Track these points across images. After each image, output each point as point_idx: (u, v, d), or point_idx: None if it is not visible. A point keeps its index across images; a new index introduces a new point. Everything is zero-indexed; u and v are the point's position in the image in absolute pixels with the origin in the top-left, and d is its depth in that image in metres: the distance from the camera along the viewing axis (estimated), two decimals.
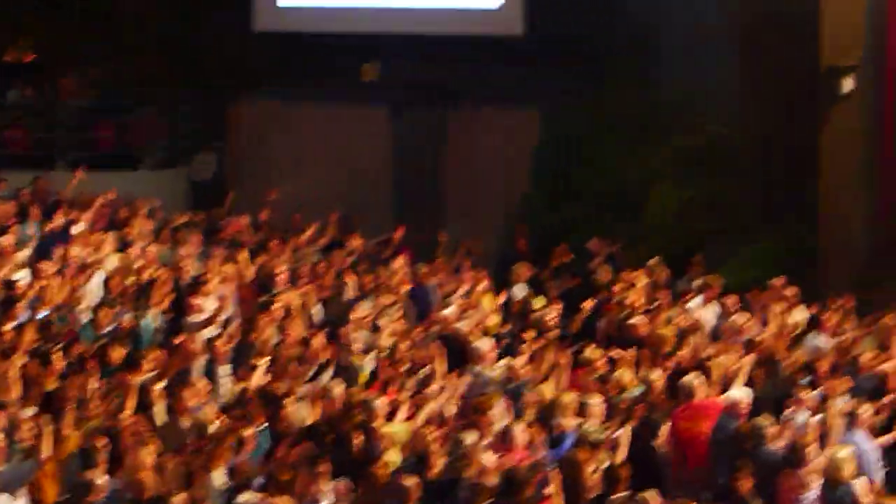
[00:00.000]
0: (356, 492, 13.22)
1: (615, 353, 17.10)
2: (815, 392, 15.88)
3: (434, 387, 15.93)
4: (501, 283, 20.99)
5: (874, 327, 18.95)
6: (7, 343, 15.99)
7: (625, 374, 16.32)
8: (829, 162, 23.10)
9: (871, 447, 14.76)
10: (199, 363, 16.17)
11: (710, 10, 24.44)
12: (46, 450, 13.01)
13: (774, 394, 16.07)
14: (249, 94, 28.02)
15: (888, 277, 21.98)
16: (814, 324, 18.84)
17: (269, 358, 16.51)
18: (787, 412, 15.27)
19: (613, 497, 12.79)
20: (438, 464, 13.72)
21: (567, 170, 25.84)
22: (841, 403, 15.34)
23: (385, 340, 17.82)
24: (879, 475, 14.56)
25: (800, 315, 19.24)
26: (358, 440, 14.23)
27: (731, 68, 24.36)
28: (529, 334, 18.08)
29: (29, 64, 30.88)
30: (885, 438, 15.18)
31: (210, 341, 16.55)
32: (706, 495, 14.18)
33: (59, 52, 29.79)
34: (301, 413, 15.22)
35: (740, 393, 15.52)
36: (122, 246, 20.49)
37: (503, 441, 14.24)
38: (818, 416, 15.02)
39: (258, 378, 15.94)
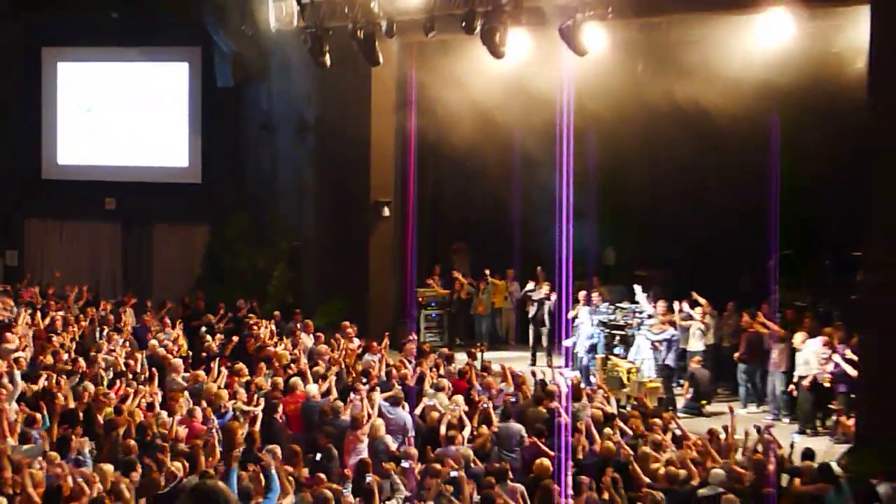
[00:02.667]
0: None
1: (249, 367, 20.54)
2: (369, 387, 18.98)
3: (145, 388, 18.72)
4: (187, 323, 24.66)
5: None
6: None
7: (260, 379, 19.67)
8: (374, 256, 27.28)
9: (406, 415, 17.91)
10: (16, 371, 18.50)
11: (303, 171, 28.83)
12: None
13: (345, 388, 19.39)
14: (37, 216, 32.32)
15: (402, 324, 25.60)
16: (367, 348, 22.34)
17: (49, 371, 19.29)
18: (351, 397, 18.43)
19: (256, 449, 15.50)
20: (150, 432, 16.53)
21: (220, 262, 29.74)
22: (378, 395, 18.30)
23: (122, 362, 20.66)
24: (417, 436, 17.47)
25: (357, 342, 22.77)
26: (102, 418, 17.06)
27: (315, 202, 28.34)
28: (204, 355, 22.00)
29: None
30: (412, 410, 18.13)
31: (16, 360, 19.35)
32: (301, 446, 16.53)
33: None
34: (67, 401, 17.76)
35: (314, 388, 18.95)
36: None
37: (189, 417, 17.35)
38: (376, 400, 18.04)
39: (42, 381, 18.66)
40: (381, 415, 17.89)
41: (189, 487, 12.76)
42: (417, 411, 18.51)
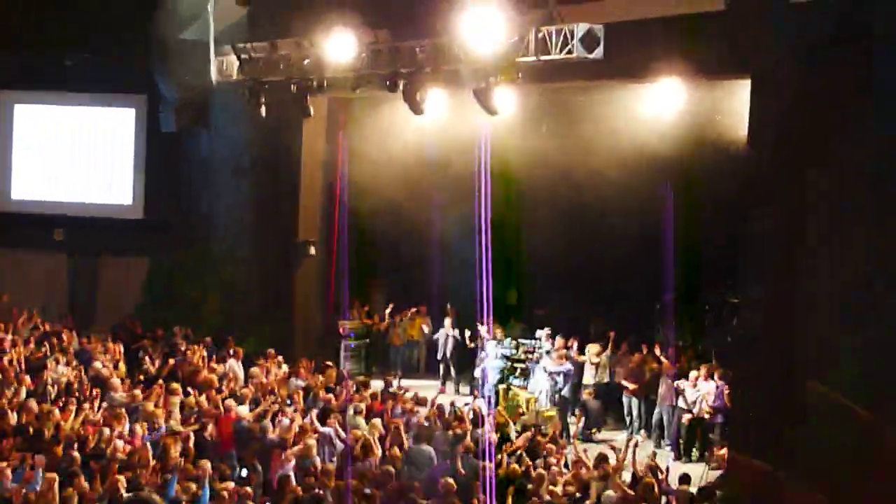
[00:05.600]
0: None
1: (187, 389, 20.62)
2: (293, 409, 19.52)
3: (87, 405, 18.95)
4: (126, 346, 24.60)
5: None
6: None
7: (193, 399, 19.77)
8: (299, 290, 27.54)
9: (340, 436, 18.12)
10: None
11: (238, 211, 28.57)
12: None
13: (273, 410, 19.09)
14: None
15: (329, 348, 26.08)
16: (294, 371, 22.74)
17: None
18: (279, 419, 18.47)
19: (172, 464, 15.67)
20: (90, 445, 16.82)
21: (159, 291, 29.77)
22: (309, 416, 18.73)
23: (66, 380, 20.92)
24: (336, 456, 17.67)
25: (283, 368, 23.23)
26: (48, 432, 17.16)
27: (248, 239, 28.17)
28: (139, 377, 22.18)
29: None
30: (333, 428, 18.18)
31: None
32: (232, 463, 17.21)
33: None
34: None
35: (244, 409, 19.15)
36: None
37: (130, 434, 17.66)
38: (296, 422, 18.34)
39: None
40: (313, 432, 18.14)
41: (126, 500, 13.40)
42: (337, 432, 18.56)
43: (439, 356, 26.47)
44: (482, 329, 23.58)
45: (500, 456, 17.30)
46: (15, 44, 30.93)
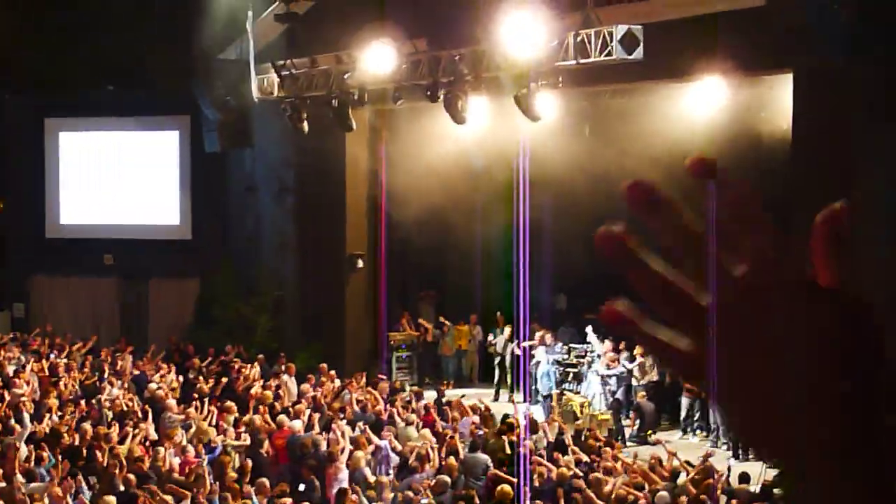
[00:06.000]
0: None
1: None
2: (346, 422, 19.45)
3: (145, 425, 19.24)
4: (179, 367, 25.02)
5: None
6: None
7: (247, 417, 19.90)
8: (349, 304, 27.52)
9: (395, 448, 18.34)
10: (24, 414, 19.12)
11: (284, 228, 29.08)
12: None
13: (326, 424, 19.50)
14: (42, 271, 32.28)
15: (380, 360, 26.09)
16: (344, 387, 22.55)
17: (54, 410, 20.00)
18: (332, 432, 18.47)
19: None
20: (146, 466, 16.95)
21: (209, 312, 29.55)
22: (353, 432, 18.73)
23: (120, 403, 21.07)
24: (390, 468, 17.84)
25: (336, 383, 23.21)
26: (103, 455, 17.25)
27: (294, 256, 28.67)
28: (194, 395, 22.05)
29: None
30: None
31: (21, 402, 19.79)
32: (289, 478, 17.32)
33: None
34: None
35: (298, 424, 19.38)
36: None
37: (182, 452, 17.84)
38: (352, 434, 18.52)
39: (46, 421, 19.42)
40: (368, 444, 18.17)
41: None
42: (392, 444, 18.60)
43: (492, 364, 26.48)
44: (533, 335, 23.51)
45: (555, 461, 17.28)
46: (58, 73, 31.48)
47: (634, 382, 23.16)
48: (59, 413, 20.00)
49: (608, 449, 18.20)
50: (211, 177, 30.82)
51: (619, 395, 22.72)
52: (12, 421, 18.64)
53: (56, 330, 28.70)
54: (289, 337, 27.83)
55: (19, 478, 15.61)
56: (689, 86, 21.13)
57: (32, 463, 16.55)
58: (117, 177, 32.28)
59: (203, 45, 26.94)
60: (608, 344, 23.28)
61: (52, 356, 25.37)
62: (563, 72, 19.32)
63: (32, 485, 15.56)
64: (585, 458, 17.64)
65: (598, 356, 23.31)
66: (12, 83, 32.44)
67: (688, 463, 17.22)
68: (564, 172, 23.23)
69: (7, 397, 19.92)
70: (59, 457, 17.00)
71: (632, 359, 23.01)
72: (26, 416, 19.14)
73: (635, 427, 21.70)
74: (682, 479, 16.47)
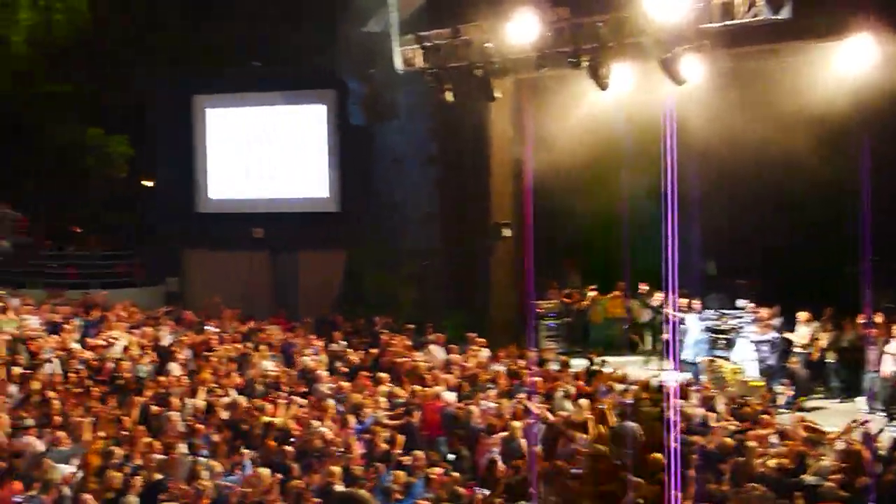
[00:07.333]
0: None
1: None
2: (496, 392, 19.77)
3: (296, 398, 19.30)
4: (327, 339, 25.01)
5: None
6: (67, 382, 19.86)
7: (397, 388, 20.22)
8: (495, 273, 27.63)
9: (547, 418, 17.95)
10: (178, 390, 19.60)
11: (429, 199, 29.13)
12: (87, 436, 15.95)
13: (476, 394, 19.74)
14: (194, 246, 33.12)
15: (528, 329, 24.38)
16: (493, 356, 23.11)
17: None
18: (483, 403, 18.86)
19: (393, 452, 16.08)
20: (301, 437, 16.90)
21: (357, 284, 30.18)
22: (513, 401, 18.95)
23: (273, 376, 21.24)
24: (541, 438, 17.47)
25: (485, 352, 23.37)
26: (258, 427, 17.46)
27: (440, 226, 28.85)
28: (344, 368, 22.33)
29: (70, 233, 36.49)
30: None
31: (178, 378, 20.43)
32: (440, 449, 17.62)
33: (92, 226, 35.79)
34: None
35: (451, 395, 19.55)
36: (130, 328, 24.83)
37: (335, 423, 17.92)
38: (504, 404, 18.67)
39: (201, 394, 19.12)
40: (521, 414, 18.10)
41: (337, 495, 12.90)
42: (542, 413, 18.45)
43: (641, 332, 26.40)
44: (682, 302, 23.21)
45: (707, 429, 17.14)
46: (204, 50, 32.05)
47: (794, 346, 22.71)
48: (214, 386, 20.18)
49: (763, 416, 17.97)
50: (357, 149, 30.93)
51: (771, 361, 22.31)
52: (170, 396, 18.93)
53: (210, 304, 29.13)
54: (435, 307, 27.98)
55: (178, 450, 15.87)
56: (839, 45, 20.50)
57: (189, 436, 16.77)
58: (265, 151, 32.72)
59: (346, 18, 27.38)
60: (763, 310, 22.95)
61: (205, 329, 25.70)
62: (708, 34, 18.93)
63: (189, 457, 15.79)
64: (739, 425, 17.45)
65: (751, 322, 22.93)
66: (159, 63, 33.57)
67: (842, 430, 16.91)
68: (711, 136, 22.89)
69: (164, 380, 20.27)
70: (214, 429, 17.23)
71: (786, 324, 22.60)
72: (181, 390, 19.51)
73: (789, 394, 21.23)
74: (838, 445, 16.14)
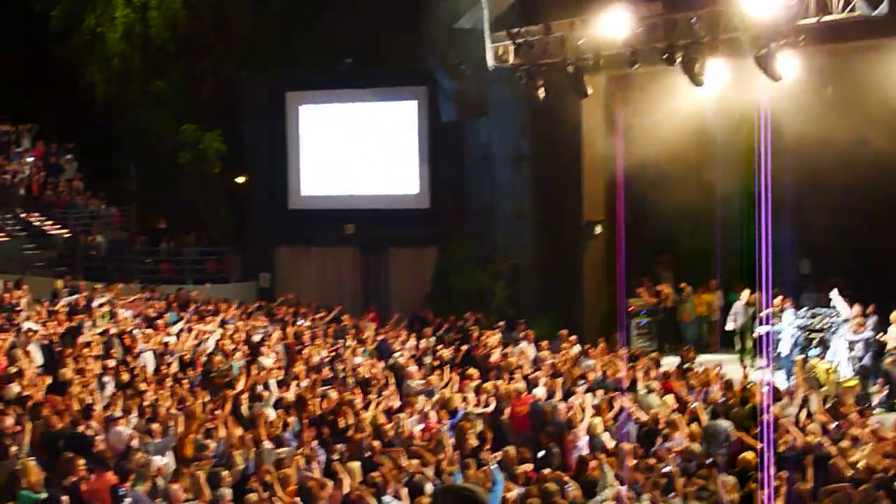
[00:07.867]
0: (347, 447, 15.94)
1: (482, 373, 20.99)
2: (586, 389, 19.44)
3: (388, 392, 19.51)
4: (418, 335, 25.11)
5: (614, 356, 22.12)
6: (160, 375, 20.04)
7: (487, 385, 19.92)
8: (587, 271, 27.59)
9: (624, 418, 18.00)
10: (270, 380, 19.83)
11: (520, 196, 29.04)
12: (181, 428, 15.94)
13: (566, 391, 19.67)
14: (285, 245, 33.64)
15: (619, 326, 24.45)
16: (584, 353, 22.86)
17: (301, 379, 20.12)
18: (571, 399, 18.77)
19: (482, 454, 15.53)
20: (390, 433, 17.02)
21: (448, 280, 30.04)
22: (593, 398, 18.68)
23: (364, 371, 21.39)
24: (632, 435, 17.56)
25: (576, 349, 23.22)
26: (348, 422, 17.35)
27: (531, 223, 28.50)
28: (435, 362, 22.48)
29: (164, 229, 38.10)
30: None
31: (269, 370, 20.40)
32: (530, 445, 17.03)
33: (185, 222, 36.87)
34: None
35: (541, 391, 19.31)
36: (222, 323, 24.88)
37: (425, 419, 17.89)
38: (592, 401, 18.51)
39: (293, 388, 19.55)
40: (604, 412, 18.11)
41: (440, 489, 12.92)
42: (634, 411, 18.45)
43: (731, 328, 25.97)
44: (775, 301, 22.96)
45: (801, 428, 16.88)
46: (295, 51, 32.40)
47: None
48: (305, 380, 20.24)
49: (857, 416, 17.59)
50: (448, 146, 31.02)
51: (865, 360, 22.00)
52: (260, 387, 19.10)
53: (301, 299, 29.46)
54: (525, 304, 27.93)
55: (267, 444, 15.90)
56: None
57: (280, 429, 16.81)
58: (356, 148, 32.93)
59: (438, 15, 27.49)
60: (856, 308, 22.58)
61: (298, 324, 25.79)
62: (804, 30, 18.77)
63: (280, 449, 15.78)
64: (833, 425, 17.25)
65: (845, 321, 22.61)
66: (251, 62, 34.02)
67: None
68: (806, 133, 22.70)
69: (256, 371, 20.31)
70: (305, 423, 17.25)
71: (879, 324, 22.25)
72: (273, 383, 19.70)
73: (884, 393, 20.93)
74: None
